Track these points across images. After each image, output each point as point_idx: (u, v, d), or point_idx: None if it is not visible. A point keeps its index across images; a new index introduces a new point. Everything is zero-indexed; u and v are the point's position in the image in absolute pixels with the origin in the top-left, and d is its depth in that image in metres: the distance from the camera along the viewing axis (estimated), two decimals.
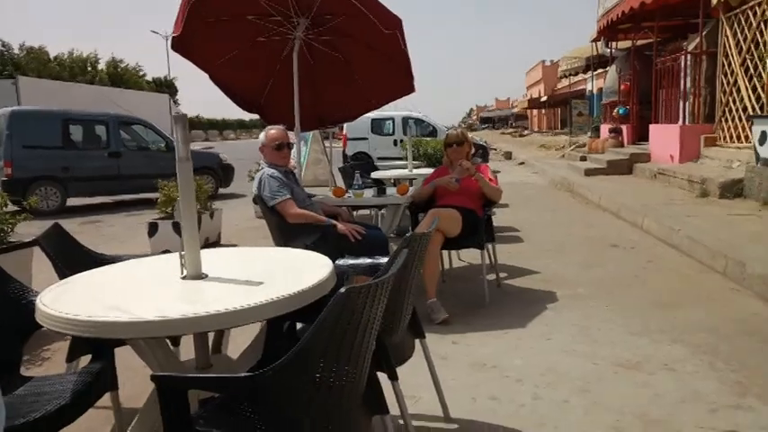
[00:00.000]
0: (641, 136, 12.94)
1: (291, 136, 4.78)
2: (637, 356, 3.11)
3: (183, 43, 4.87)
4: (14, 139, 9.94)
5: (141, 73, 46.64)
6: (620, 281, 4.61)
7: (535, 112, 49.76)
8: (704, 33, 10.06)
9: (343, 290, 1.41)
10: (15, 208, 5.68)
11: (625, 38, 14.57)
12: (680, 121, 10.43)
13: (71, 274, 2.15)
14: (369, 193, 4.91)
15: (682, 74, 10.58)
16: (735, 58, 8.93)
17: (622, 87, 14.44)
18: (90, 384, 1.89)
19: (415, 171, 7.09)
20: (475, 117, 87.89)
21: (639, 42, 13.97)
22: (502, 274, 4.71)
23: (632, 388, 2.75)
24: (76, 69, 38.86)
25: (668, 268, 4.94)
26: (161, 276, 2.07)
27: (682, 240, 5.49)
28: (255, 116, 6.44)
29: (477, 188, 4.23)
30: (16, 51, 37.76)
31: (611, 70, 15.85)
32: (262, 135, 3.91)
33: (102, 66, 42.26)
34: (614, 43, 15.40)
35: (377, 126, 16.65)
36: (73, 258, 2.59)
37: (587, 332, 3.52)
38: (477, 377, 2.95)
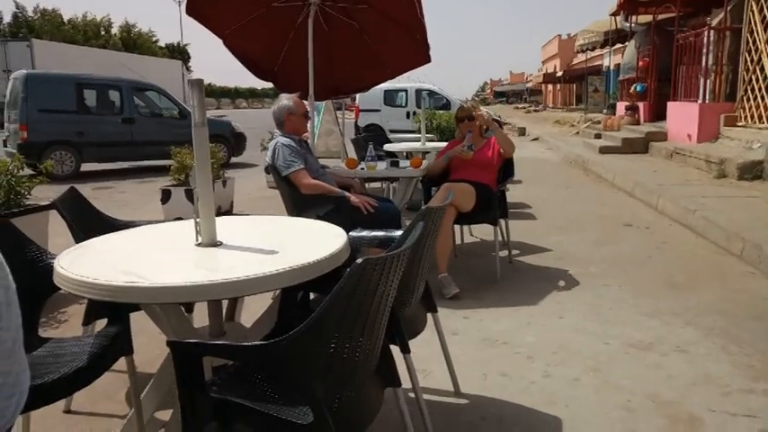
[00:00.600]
0: (658, 114, 12.71)
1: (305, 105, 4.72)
2: (648, 337, 3.09)
3: (197, 7, 4.81)
4: (30, 103, 9.94)
5: (154, 38, 46.31)
6: (633, 261, 4.58)
7: (550, 87, 48.96)
8: (729, 8, 9.78)
9: (359, 261, 1.40)
10: (31, 171, 5.70)
11: (646, 12, 14.19)
12: (699, 99, 10.23)
13: (87, 238, 2.15)
14: (382, 166, 4.87)
15: (704, 50, 10.33)
16: (760, 34, 8.69)
17: (641, 63, 14.13)
18: (106, 348, 1.90)
19: (428, 144, 7.03)
20: (489, 91, 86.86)
21: (660, 17, 13.61)
22: (514, 251, 4.69)
23: (643, 369, 2.74)
24: (90, 33, 38.64)
25: (683, 249, 4.90)
26: (176, 243, 2.07)
27: (697, 221, 5.43)
28: (268, 85, 6.38)
29: (491, 161, 4.18)
30: (31, 14, 37.60)
31: (630, 45, 15.51)
32: (288, 102, 3.77)
33: (115, 30, 41.99)
34: (634, 17, 15.03)
35: (389, 98, 16.47)
36: (88, 222, 2.61)
37: (599, 311, 3.51)
38: (488, 353, 2.96)
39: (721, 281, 4.04)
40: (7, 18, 36.83)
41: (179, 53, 45.40)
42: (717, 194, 6.44)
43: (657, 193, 6.72)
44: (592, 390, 2.55)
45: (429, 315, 2.42)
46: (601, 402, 2.44)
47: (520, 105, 47.78)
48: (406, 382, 1.92)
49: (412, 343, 2.08)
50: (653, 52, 13.34)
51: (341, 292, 1.38)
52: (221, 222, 2.06)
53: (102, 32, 40.49)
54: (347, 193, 3.72)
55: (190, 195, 5.83)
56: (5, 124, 10.77)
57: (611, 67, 23.68)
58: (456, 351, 2.74)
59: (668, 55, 11.93)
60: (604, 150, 11.54)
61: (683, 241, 5.16)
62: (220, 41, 5.35)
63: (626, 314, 3.46)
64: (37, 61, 19.43)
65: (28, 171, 4.58)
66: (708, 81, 10.21)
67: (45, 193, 4.20)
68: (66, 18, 39.26)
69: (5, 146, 10.36)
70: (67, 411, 2.41)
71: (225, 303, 2.30)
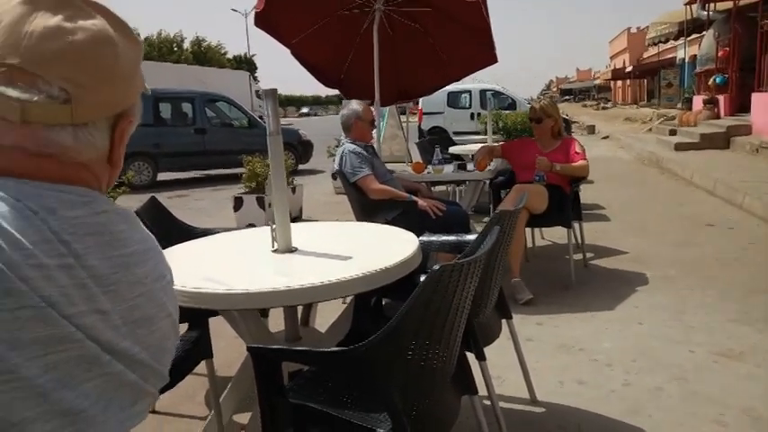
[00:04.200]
0: (741, 107, 11.98)
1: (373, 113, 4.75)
2: (740, 346, 2.90)
3: (265, 18, 4.92)
4: None
5: (223, 51, 48.09)
6: (717, 263, 4.32)
7: (619, 83, 47.30)
8: None
9: (436, 268, 1.38)
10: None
11: None
12: None
13: (166, 246, 2.24)
14: (448, 169, 4.83)
15: None
16: None
17: (720, 54, 13.39)
18: (189, 351, 1.97)
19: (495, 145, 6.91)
20: (555, 89, 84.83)
21: (742, 3, 12.83)
22: (588, 254, 4.53)
23: (736, 379, 2.57)
24: (164, 49, 40.62)
25: None
26: (253, 249, 2.12)
27: None
28: (332, 92, 6.49)
29: (564, 161, 4.05)
30: None
31: (708, 35, 14.72)
32: (357, 107, 3.83)
33: (186, 45, 43.92)
34: (712, 5, 14.24)
35: (453, 100, 16.33)
36: (168, 230, 2.71)
37: (681, 317, 3.33)
38: (563, 360, 2.86)
39: None
40: None
41: (246, 64, 46.92)
42: None
43: (743, 190, 6.32)
44: (678, 400, 2.42)
45: (503, 321, 2.37)
46: (689, 414, 2.31)
47: (588, 103, 46.34)
48: (481, 390, 1.88)
49: (487, 350, 2.03)
50: (734, 41, 12.60)
51: (418, 299, 1.36)
52: (295, 229, 2.09)
53: (175, 48, 42.43)
54: (415, 198, 3.72)
55: (261, 203, 6.00)
56: None
57: (687, 60, 22.55)
58: (531, 358, 2.66)
59: (751, 43, 11.24)
60: (680, 147, 10.98)
61: None
62: (285, 51, 5.47)
63: (712, 320, 3.26)
64: None
65: None
66: None
67: (126, 203, 4.40)
68: (143, 36, 41.47)
69: None
70: (153, 411, 2.51)
71: (300, 308, 2.34)
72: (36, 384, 0.59)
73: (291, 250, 1.99)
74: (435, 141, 7.15)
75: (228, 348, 2.84)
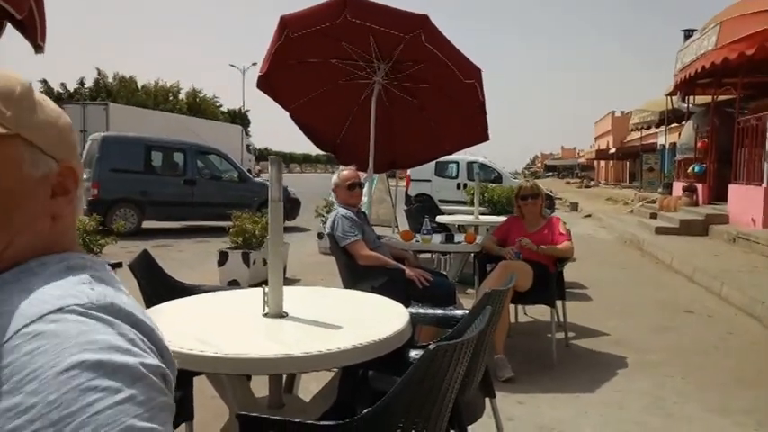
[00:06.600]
0: (718, 196, 12.37)
1: (362, 175, 4.87)
2: None
3: (268, 82, 5.10)
4: (103, 163, 10.59)
5: (218, 104, 48.81)
6: (696, 350, 4.37)
7: (602, 163, 48.72)
8: None
9: (431, 347, 1.41)
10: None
11: (704, 93, 14.11)
12: (764, 183, 9.93)
13: (157, 301, 2.23)
14: (436, 239, 4.90)
15: (767, 134, 10.12)
16: None
17: (699, 144, 13.93)
18: None
19: (481, 218, 7.04)
20: (539, 164, 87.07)
21: (720, 98, 13.49)
22: (570, 333, 4.55)
23: None
24: (160, 98, 41.14)
25: (751, 342, 4.64)
26: (244, 312, 2.12)
27: (766, 313, 5.16)
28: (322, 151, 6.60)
29: (550, 241, 4.14)
30: (110, 80, 40.54)
31: (688, 126, 15.35)
32: (335, 176, 4.00)
33: (182, 95, 44.54)
34: (692, 98, 14.94)
35: (441, 169, 16.68)
36: (157, 285, 2.71)
37: (661, 404, 3.34)
38: None
39: None
40: (90, 83, 39.80)
41: (240, 118, 47.56)
42: None
43: (721, 279, 6.45)
44: None
45: (486, 399, 2.36)
46: None
47: (571, 180, 47.51)
48: None
49: (469, 428, 2.02)
50: (712, 133, 13.15)
51: (413, 377, 1.38)
52: (286, 292, 2.10)
53: (171, 97, 43.02)
54: (402, 266, 3.75)
55: (246, 259, 5.99)
56: None
57: (667, 146, 23.40)
58: None
59: (728, 136, 11.73)
60: (661, 231, 11.24)
61: (752, 333, 4.89)
62: (279, 109, 5.61)
63: (692, 410, 3.27)
64: (111, 123, 20.77)
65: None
66: None
67: (110, 250, 4.39)
68: (140, 84, 42.08)
69: None
70: None
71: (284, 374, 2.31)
72: None
73: (282, 315, 2.00)
74: (423, 210, 7.27)
75: (203, 409, 2.77)
